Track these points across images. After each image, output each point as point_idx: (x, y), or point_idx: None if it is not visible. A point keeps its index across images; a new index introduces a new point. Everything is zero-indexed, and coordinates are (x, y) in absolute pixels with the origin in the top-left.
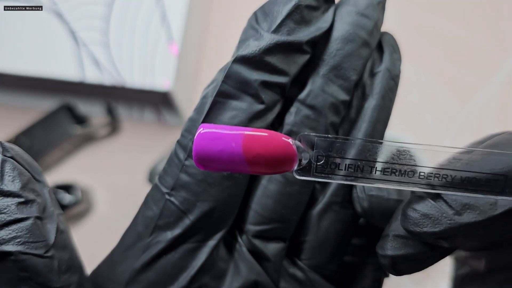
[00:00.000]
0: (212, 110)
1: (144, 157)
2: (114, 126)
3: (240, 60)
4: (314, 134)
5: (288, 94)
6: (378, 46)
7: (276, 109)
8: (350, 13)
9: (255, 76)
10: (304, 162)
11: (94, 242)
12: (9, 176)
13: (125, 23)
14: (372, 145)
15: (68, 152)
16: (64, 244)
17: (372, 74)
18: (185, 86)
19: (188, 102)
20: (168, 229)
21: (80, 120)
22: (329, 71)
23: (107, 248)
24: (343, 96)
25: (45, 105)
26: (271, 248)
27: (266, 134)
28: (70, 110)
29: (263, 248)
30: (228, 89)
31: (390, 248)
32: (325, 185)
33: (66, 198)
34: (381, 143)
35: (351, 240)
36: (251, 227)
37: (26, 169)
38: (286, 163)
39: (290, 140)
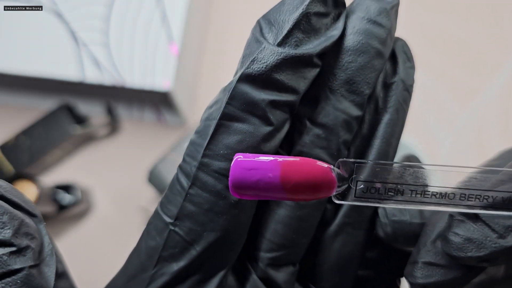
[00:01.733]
0: (216, 134)
1: (144, 157)
2: (114, 126)
3: (246, 78)
4: (352, 160)
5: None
6: (390, 54)
7: (285, 129)
8: (361, 20)
9: (262, 96)
10: (343, 187)
11: (94, 242)
12: None
13: (125, 23)
14: (412, 169)
15: (68, 152)
16: None
17: (385, 86)
18: (185, 86)
19: (188, 102)
20: (174, 260)
21: (80, 120)
22: (341, 86)
23: (107, 248)
24: (356, 112)
25: (45, 105)
26: (282, 274)
27: (303, 162)
28: (70, 110)
29: (274, 274)
30: (233, 111)
31: (420, 276)
32: (336, 206)
33: (66, 198)
34: (421, 167)
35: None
36: (262, 254)
37: (18, 205)
38: (324, 190)
39: (328, 167)
